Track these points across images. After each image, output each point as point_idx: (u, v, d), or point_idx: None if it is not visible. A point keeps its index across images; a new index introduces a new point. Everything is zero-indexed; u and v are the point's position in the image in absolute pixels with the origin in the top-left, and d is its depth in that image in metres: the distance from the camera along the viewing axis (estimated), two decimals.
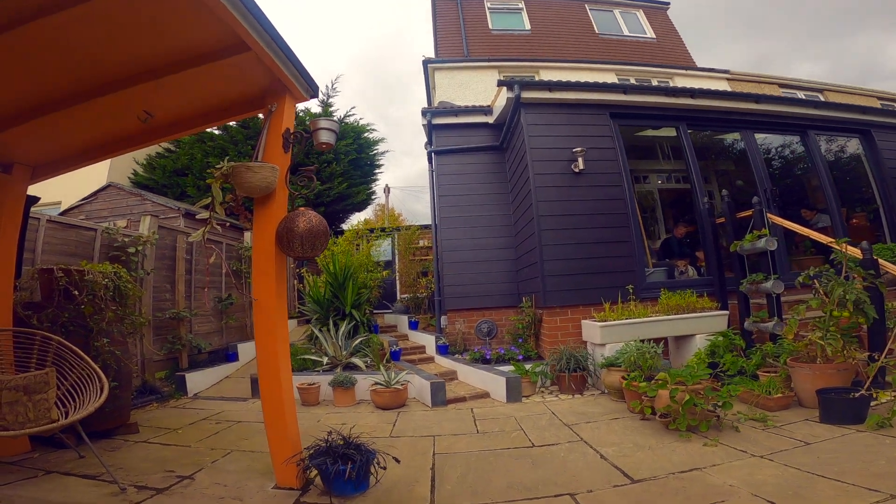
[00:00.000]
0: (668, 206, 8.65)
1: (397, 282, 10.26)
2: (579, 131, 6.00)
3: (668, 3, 11.90)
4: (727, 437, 2.96)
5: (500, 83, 6.39)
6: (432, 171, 7.73)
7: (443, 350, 6.36)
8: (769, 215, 4.80)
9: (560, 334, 5.23)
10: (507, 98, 6.24)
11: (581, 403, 4.18)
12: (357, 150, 11.36)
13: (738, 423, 3.13)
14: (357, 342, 5.91)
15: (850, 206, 7.28)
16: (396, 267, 10.41)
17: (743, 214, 5.17)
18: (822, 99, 10.56)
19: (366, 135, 11.85)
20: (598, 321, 4.74)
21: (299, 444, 2.57)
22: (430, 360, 6.47)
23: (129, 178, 11.69)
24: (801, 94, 10.96)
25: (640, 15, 11.80)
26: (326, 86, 12.10)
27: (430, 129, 7.69)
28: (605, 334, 4.59)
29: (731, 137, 8.13)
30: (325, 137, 2.92)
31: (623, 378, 3.85)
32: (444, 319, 7.04)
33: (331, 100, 11.86)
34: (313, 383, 4.90)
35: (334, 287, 6.92)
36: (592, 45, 11.26)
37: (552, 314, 5.32)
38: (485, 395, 4.78)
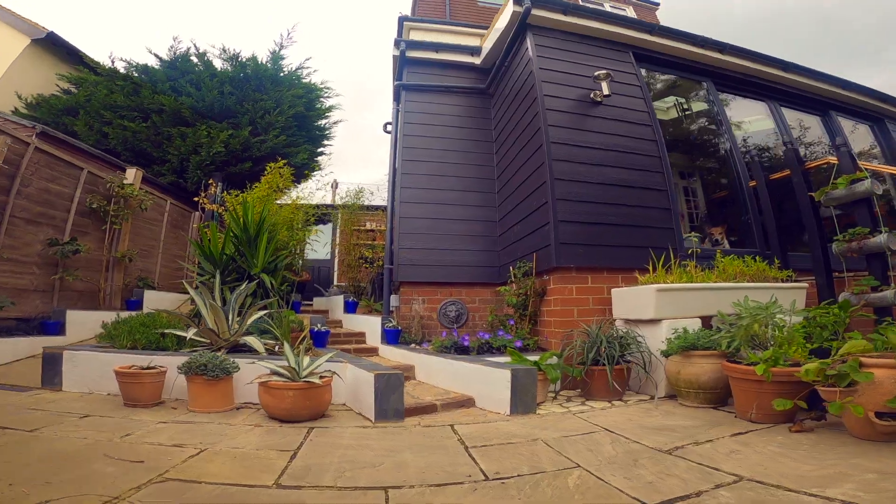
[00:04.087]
0: None
1: (335, 263, 8.12)
2: (600, 64, 4.57)
3: (658, 4, 11.38)
4: None
5: None
6: (397, 111, 5.93)
7: (391, 337, 4.37)
8: (862, 163, 3.51)
9: (576, 311, 3.48)
10: (514, 12, 4.65)
11: (639, 414, 2.40)
12: (305, 107, 9.28)
13: None
14: (258, 315, 3.73)
15: None
16: (336, 247, 8.30)
17: (815, 164, 3.86)
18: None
19: (317, 93, 9.82)
20: (651, 283, 3.05)
21: None
22: (374, 351, 4.46)
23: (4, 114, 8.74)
24: None
25: (630, 12, 11.16)
26: (281, 34, 9.89)
27: (402, 64, 5.98)
28: (661, 304, 2.89)
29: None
30: None
31: (730, 361, 2.14)
32: (394, 299, 5.06)
33: (283, 51, 9.74)
34: (152, 367, 2.71)
35: (240, 241, 4.72)
36: None
37: (564, 279, 3.58)
38: (466, 401, 2.86)
